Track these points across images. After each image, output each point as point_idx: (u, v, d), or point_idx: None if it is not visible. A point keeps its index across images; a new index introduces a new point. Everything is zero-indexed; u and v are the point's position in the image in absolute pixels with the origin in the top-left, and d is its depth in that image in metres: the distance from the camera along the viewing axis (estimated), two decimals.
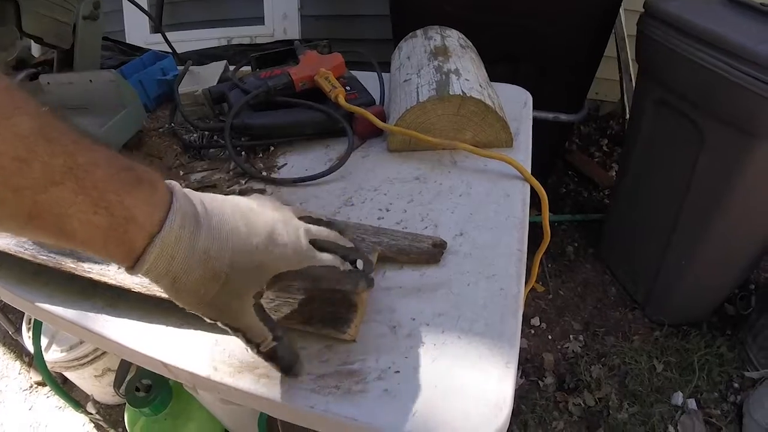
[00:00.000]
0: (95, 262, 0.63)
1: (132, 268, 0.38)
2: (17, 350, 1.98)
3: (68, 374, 1.57)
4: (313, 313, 0.54)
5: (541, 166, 2.01)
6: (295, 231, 0.45)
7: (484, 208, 0.70)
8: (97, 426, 1.67)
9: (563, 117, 1.79)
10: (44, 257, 0.65)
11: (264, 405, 0.52)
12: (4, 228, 0.33)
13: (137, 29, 2.40)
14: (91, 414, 1.27)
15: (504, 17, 1.62)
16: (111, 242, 0.36)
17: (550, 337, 1.77)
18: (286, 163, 0.84)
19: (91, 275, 0.62)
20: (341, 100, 0.83)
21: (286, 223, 0.45)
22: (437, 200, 0.72)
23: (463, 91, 0.75)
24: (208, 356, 0.55)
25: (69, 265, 0.63)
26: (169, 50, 1.45)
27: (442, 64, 0.84)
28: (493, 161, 0.77)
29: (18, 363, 1.94)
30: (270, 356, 0.47)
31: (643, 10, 1.50)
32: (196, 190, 0.78)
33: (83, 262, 0.63)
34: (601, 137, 2.63)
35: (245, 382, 0.52)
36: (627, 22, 2.13)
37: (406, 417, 0.47)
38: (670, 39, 1.40)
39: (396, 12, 1.76)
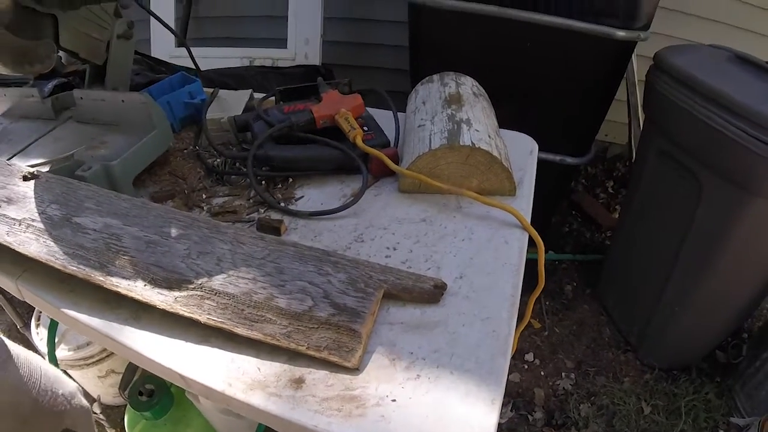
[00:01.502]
0: (123, 278, 0.68)
1: None
2: (22, 344, 2.02)
3: (72, 372, 1.62)
4: (322, 341, 0.60)
5: (545, 206, 2.07)
6: None
7: (484, 253, 0.76)
8: (97, 424, 1.71)
9: (569, 160, 1.85)
10: (74, 268, 0.70)
11: (272, 421, 0.57)
12: None
13: (163, 40, 2.48)
14: (96, 414, 1.32)
15: (517, 60, 1.69)
16: None
17: (542, 373, 1.82)
18: (303, 196, 0.90)
19: (119, 289, 0.67)
20: (359, 142, 0.89)
21: None
22: (441, 243, 0.78)
23: (472, 142, 0.81)
24: (224, 372, 0.61)
25: (98, 278, 0.68)
26: (193, 65, 1.51)
27: (454, 113, 0.90)
28: (496, 208, 0.83)
29: None
30: None
31: (653, 61, 1.57)
32: (218, 214, 0.85)
33: (112, 276, 0.68)
34: (607, 179, 2.68)
35: (256, 399, 0.58)
36: (639, 68, 2.18)
37: None
38: (676, 93, 1.46)
39: (414, 48, 1.84)
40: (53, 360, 1.20)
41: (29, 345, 1.97)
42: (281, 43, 2.35)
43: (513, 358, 1.84)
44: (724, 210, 1.41)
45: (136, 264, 0.69)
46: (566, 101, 1.74)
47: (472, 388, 0.57)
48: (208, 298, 0.65)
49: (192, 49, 2.55)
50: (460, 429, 0.53)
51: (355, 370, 0.59)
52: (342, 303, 0.63)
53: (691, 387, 1.75)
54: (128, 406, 1.37)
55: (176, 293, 0.66)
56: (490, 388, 0.57)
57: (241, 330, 0.61)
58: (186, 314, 0.64)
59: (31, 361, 0.47)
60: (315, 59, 2.26)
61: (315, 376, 0.59)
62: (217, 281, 0.66)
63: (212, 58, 2.32)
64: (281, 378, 0.60)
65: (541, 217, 2.13)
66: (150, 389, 1.34)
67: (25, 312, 1.96)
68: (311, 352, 0.59)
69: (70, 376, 1.68)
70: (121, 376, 1.60)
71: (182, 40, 1.56)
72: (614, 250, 1.99)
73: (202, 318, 0.63)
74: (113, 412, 1.73)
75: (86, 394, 1.70)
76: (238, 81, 1.95)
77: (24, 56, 0.91)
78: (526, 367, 1.84)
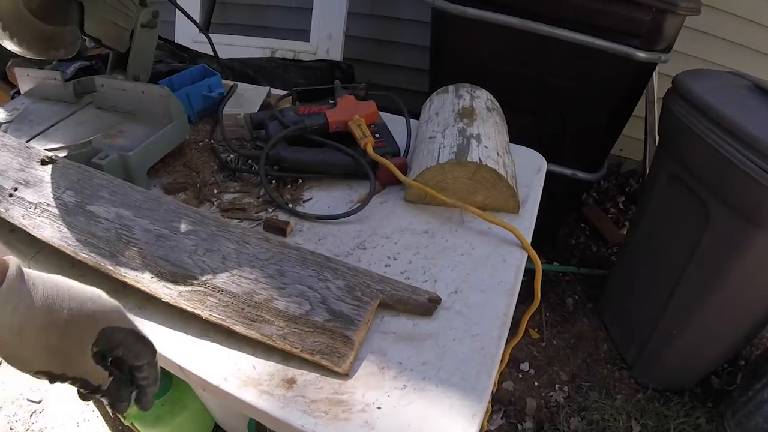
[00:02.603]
0: (131, 269, 0.71)
1: None
2: None
3: None
4: (316, 345, 0.62)
5: (554, 218, 2.09)
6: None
7: (481, 270, 0.78)
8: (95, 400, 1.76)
9: (581, 175, 1.86)
10: (85, 255, 0.73)
11: (262, 417, 0.60)
12: None
13: (187, 24, 2.49)
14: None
15: (538, 74, 1.70)
16: None
17: (536, 383, 1.83)
18: (311, 198, 0.92)
19: (126, 280, 0.70)
20: (369, 150, 0.91)
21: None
22: (440, 256, 0.80)
23: (480, 159, 0.83)
24: (221, 367, 0.64)
25: (107, 266, 0.71)
26: (208, 52, 1.53)
27: (466, 128, 0.92)
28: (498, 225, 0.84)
29: None
30: (109, 394, 0.53)
31: (671, 84, 1.57)
32: (227, 211, 0.87)
33: (120, 266, 0.71)
34: (618, 194, 2.67)
35: (249, 395, 0.61)
36: (659, 86, 2.17)
37: None
38: (691, 119, 1.45)
39: (435, 51, 1.85)
40: None
41: None
42: (304, 35, 2.36)
43: (508, 366, 1.86)
44: (729, 239, 1.40)
45: (144, 256, 0.72)
46: (582, 117, 1.75)
47: (455, 402, 0.59)
48: (211, 295, 0.67)
49: (214, 35, 2.57)
50: None
51: (345, 375, 0.62)
52: (338, 309, 0.65)
53: (683, 410, 1.75)
54: None
55: (181, 288, 0.69)
56: (472, 403, 0.59)
57: (239, 328, 0.64)
58: (189, 309, 0.67)
59: (55, 277, 0.49)
60: (336, 55, 2.27)
61: (306, 377, 0.62)
62: (221, 279, 0.69)
63: (234, 45, 2.34)
64: (274, 377, 0.62)
65: (548, 229, 2.16)
66: None
67: None
68: (305, 355, 0.62)
69: None
70: None
71: (202, 29, 1.58)
72: (618, 267, 1.99)
73: (204, 314, 0.66)
74: None
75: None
76: (259, 72, 1.98)
77: (50, 41, 0.93)
78: (520, 376, 1.85)
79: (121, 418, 1.45)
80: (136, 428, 1.47)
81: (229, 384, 0.62)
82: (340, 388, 0.61)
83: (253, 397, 0.60)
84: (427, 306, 0.69)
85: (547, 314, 2.07)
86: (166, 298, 0.68)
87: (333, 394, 0.60)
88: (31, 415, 1.75)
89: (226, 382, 0.62)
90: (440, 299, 0.71)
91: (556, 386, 1.82)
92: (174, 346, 0.66)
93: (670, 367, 1.76)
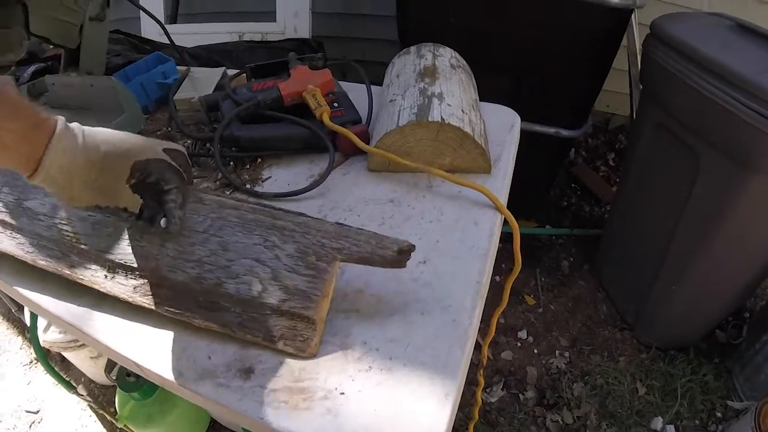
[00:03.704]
0: (85, 268, 0.67)
1: (39, 161, 0.52)
2: (19, 327, 2.03)
3: (66, 354, 1.62)
4: (276, 330, 0.57)
5: (541, 178, 2.03)
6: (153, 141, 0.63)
7: (451, 235, 0.72)
8: (90, 406, 1.73)
9: (564, 132, 1.80)
10: (43, 263, 0.69)
11: (219, 411, 0.56)
12: None
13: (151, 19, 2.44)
14: (82, 395, 1.32)
15: (508, 28, 1.63)
16: (24, 146, 0.51)
17: (535, 351, 1.79)
18: (270, 176, 0.87)
19: (83, 282, 0.66)
20: (325, 119, 0.85)
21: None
22: (407, 224, 0.75)
23: (442, 118, 0.78)
24: (176, 361, 0.59)
25: (65, 271, 0.67)
26: (185, 44, 1.49)
27: (427, 87, 0.86)
28: (468, 188, 0.79)
29: (20, 339, 1.99)
30: (149, 218, 0.62)
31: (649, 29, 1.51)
32: None
33: (76, 268, 0.67)
34: (608, 151, 2.62)
35: (205, 389, 0.56)
36: (641, 37, 2.10)
37: None
38: (673, 63, 1.39)
39: (402, 20, 1.78)
40: (36, 343, 1.20)
41: (24, 326, 1.99)
42: (270, 16, 2.29)
43: (505, 335, 1.82)
44: (722, 186, 1.35)
45: (89, 252, 0.67)
46: (560, 72, 1.68)
47: (425, 381, 0.55)
48: (161, 287, 0.62)
49: (182, 26, 2.50)
50: (410, 424, 0.51)
51: (306, 359, 0.57)
52: (293, 285, 0.59)
53: (689, 368, 1.70)
54: (117, 387, 1.38)
55: (133, 282, 0.64)
56: (444, 382, 0.55)
57: (198, 321, 0.60)
58: (146, 305, 0.62)
59: (96, 129, 0.59)
60: (305, 32, 2.21)
61: (265, 366, 0.57)
62: (166, 266, 0.63)
63: (202, 34, 2.28)
64: (231, 368, 0.58)
65: (538, 191, 2.10)
66: None
67: None
68: (266, 343, 0.57)
69: (63, 358, 1.70)
70: None
71: (156, 19, 1.52)
72: (611, 225, 1.94)
73: (161, 310, 0.62)
74: (109, 392, 1.74)
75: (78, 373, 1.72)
76: (225, 57, 1.91)
77: None
78: (519, 344, 1.81)
79: (114, 422, 1.41)
80: (130, 430, 1.44)
81: (185, 378, 0.58)
82: (301, 374, 0.56)
83: (209, 391, 0.56)
84: (396, 259, 0.61)
85: (543, 279, 2.02)
86: (122, 296, 0.64)
87: (293, 382, 0.55)
88: (30, 426, 1.73)
89: (181, 376, 0.58)
90: (413, 247, 0.62)
91: (557, 352, 1.78)
92: (130, 343, 0.63)
93: (672, 325, 1.72)
